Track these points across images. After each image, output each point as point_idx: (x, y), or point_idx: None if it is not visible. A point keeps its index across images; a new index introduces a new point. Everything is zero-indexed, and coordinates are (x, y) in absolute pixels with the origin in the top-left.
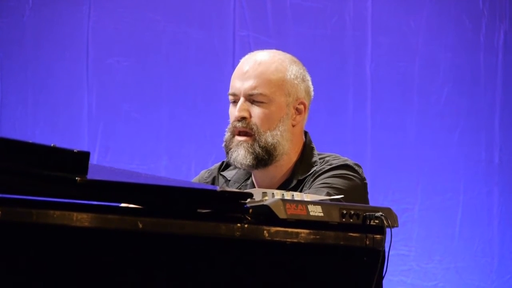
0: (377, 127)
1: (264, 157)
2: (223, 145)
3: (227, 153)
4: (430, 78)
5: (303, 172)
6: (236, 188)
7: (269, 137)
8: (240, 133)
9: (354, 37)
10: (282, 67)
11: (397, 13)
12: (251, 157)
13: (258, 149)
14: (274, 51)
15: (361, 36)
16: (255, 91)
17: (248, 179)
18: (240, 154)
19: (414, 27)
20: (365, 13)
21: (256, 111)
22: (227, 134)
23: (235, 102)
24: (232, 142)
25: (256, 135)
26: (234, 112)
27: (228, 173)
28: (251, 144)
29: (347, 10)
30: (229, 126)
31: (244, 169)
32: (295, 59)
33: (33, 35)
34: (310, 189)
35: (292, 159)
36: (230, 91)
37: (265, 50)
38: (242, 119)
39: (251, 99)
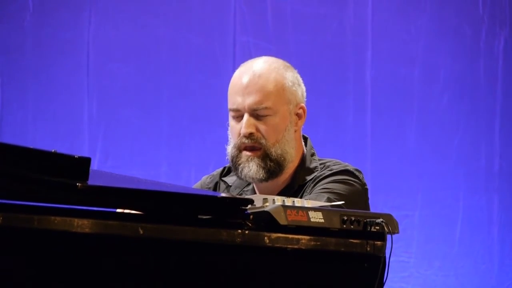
0: (377, 133)
1: (275, 169)
2: (228, 159)
3: (236, 168)
4: (430, 84)
5: (304, 178)
6: (237, 194)
7: (278, 149)
8: (247, 148)
9: (354, 43)
10: (280, 76)
11: (397, 20)
12: (263, 171)
13: (269, 163)
14: (267, 59)
15: (361, 42)
16: (260, 106)
17: (249, 184)
18: (252, 169)
19: (414, 34)
20: (365, 19)
21: (263, 125)
22: (233, 150)
23: (237, 116)
24: (240, 157)
25: (265, 149)
26: (237, 127)
27: (230, 179)
28: (262, 159)
29: (347, 17)
30: (235, 141)
31: (254, 183)
32: (286, 63)
33: (33, 41)
34: (311, 195)
35: (294, 165)
36: (232, 106)
37: (259, 59)
38: (249, 135)
39: (256, 113)
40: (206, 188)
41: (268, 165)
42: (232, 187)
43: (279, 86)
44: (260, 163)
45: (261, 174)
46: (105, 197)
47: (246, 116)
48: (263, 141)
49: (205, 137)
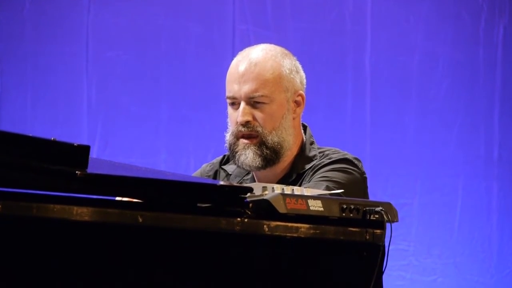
0: (376, 122)
1: (272, 157)
2: (226, 147)
3: (233, 156)
4: (429, 73)
5: (303, 166)
6: (237, 182)
7: (275, 137)
8: (244, 136)
9: (354, 31)
10: (276, 64)
11: (396, 8)
12: (259, 159)
13: (266, 151)
14: (265, 46)
15: (360, 30)
16: (256, 94)
17: (249, 173)
18: (249, 157)
19: (414, 22)
20: (365, 7)
21: (259, 113)
22: (231, 137)
23: (234, 104)
24: (237, 145)
25: (261, 137)
26: (234, 115)
27: (229, 167)
28: (258, 146)
29: (346, 5)
30: (232, 129)
31: (252, 170)
32: (285, 51)
33: (32, 29)
34: (309, 183)
35: (293, 153)
36: (229, 94)
37: (256, 47)
38: (246, 123)
39: (252, 101)
40: (206, 176)
41: (265, 153)
42: (232, 175)
43: (276, 74)
44: (257, 151)
45: (257, 161)
46: (105, 185)
47: (242, 104)
48: (259, 129)
49: (204, 125)
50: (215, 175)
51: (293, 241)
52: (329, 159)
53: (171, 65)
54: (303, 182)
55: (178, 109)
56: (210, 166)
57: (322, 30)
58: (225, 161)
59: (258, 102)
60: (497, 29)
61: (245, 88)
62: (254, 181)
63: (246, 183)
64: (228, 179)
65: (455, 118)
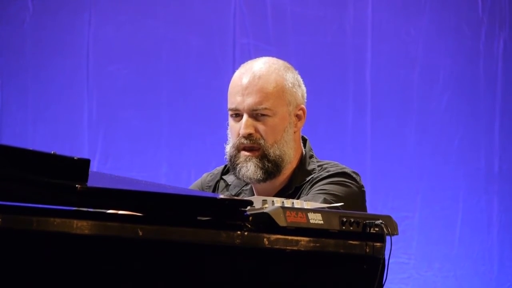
0: (377, 134)
1: (273, 170)
2: (226, 158)
3: (234, 168)
4: (430, 85)
5: (302, 179)
6: (236, 192)
7: (276, 150)
8: (245, 148)
9: (354, 44)
10: (280, 77)
11: (397, 21)
12: (261, 171)
13: (267, 164)
14: (267, 59)
15: (361, 43)
16: (260, 106)
17: (247, 183)
18: (250, 169)
19: (414, 35)
20: (365, 20)
21: (262, 126)
22: (232, 150)
23: (236, 116)
24: (239, 157)
25: (263, 149)
26: (236, 127)
27: (229, 178)
28: (260, 159)
29: (347, 18)
30: (234, 141)
31: (252, 183)
32: (287, 64)
33: (33, 42)
34: (307, 196)
35: (293, 166)
36: (231, 106)
37: (259, 60)
38: (248, 135)
39: (255, 114)
40: (207, 186)
41: (266, 166)
42: (231, 186)
43: (279, 87)
44: (258, 164)
45: (258, 174)
46: (105, 199)
47: (245, 117)
48: (261, 141)
49: (204, 138)
50: (216, 185)
51: (293, 254)
52: (328, 172)
53: (171, 79)
54: (301, 195)
55: (179, 122)
56: (211, 176)
57: (322, 43)
58: (226, 170)
59: (261, 115)
60: (497, 42)
61: (249, 101)
62: (253, 192)
63: (245, 193)
64: (227, 190)
65: (455, 131)
